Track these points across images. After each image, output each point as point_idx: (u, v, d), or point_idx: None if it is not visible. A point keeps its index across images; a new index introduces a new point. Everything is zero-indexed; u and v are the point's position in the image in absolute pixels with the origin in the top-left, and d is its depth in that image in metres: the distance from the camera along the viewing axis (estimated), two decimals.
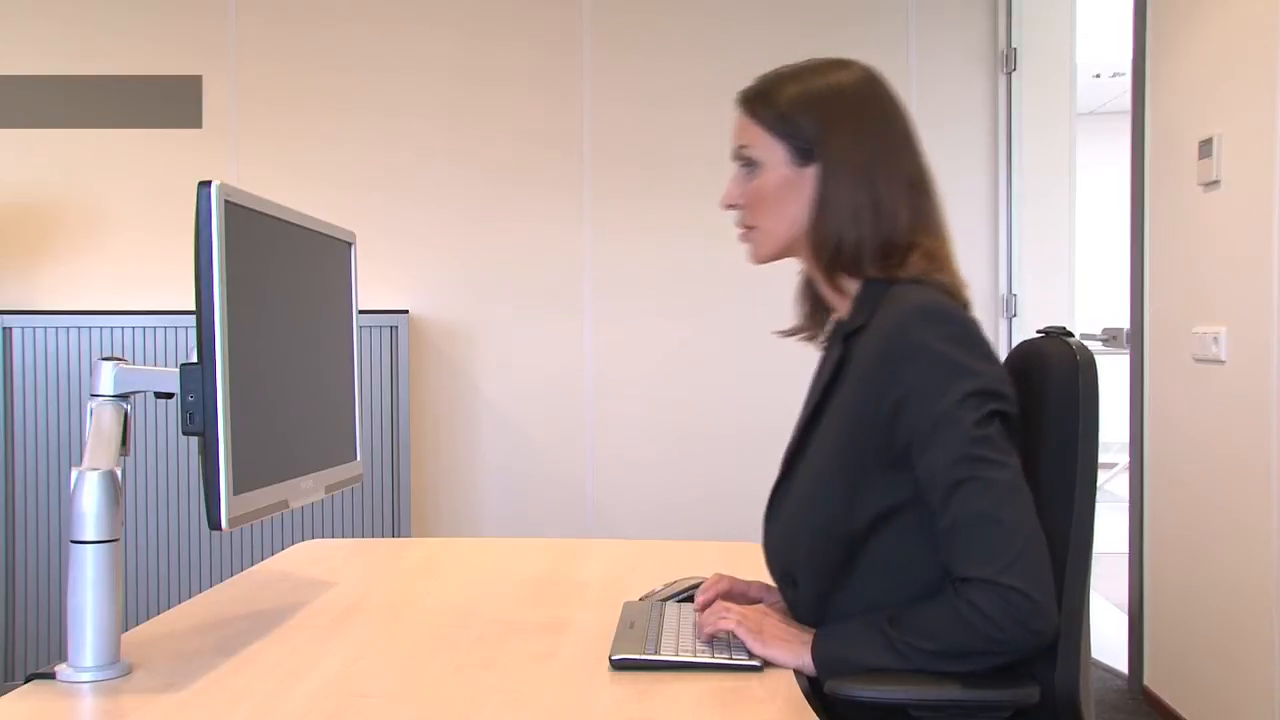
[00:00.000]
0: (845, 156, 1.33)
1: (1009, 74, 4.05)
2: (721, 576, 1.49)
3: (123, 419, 1.32)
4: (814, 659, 1.26)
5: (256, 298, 1.34)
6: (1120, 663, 3.57)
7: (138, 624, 1.48)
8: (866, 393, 1.28)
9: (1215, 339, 2.87)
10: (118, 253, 3.94)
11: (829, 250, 1.34)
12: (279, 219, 1.43)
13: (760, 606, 1.38)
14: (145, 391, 1.33)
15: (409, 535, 3.63)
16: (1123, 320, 3.54)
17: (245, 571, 1.85)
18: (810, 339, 1.48)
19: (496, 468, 4.00)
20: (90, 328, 3.52)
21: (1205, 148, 2.91)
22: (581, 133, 4.03)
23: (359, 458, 1.73)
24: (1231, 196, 2.81)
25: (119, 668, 1.26)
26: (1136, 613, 3.40)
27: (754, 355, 3.93)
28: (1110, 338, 3.76)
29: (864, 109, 1.35)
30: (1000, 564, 1.18)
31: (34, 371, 3.51)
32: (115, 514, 1.25)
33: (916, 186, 1.36)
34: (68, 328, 3.52)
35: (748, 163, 1.38)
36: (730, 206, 1.41)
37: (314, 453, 1.50)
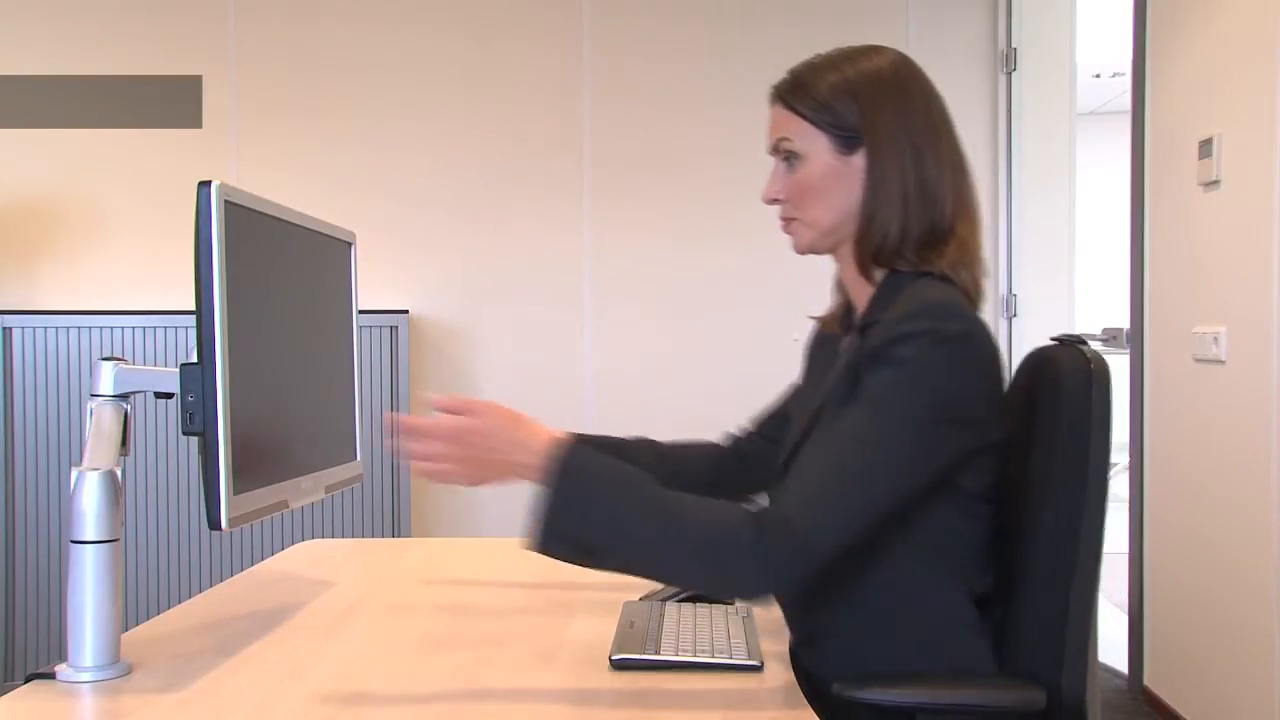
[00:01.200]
0: (890, 141, 1.31)
1: (1009, 74, 4.05)
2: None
3: (123, 419, 1.32)
4: (555, 461, 1.21)
5: (256, 297, 1.34)
6: (1120, 663, 3.57)
7: (138, 624, 1.48)
8: (835, 379, 1.29)
9: (1215, 339, 2.87)
10: (118, 253, 3.94)
11: (877, 238, 1.32)
12: (279, 219, 1.43)
13: (467, 423, 1.26)
14: (145, 391, 1.33)
15: (409, 535, 3.63)
16: (1123, 320, 3.54)
17: (245, 571, 1.85)
18: (836, 327, 1.46)
19: None
20: (90, 328, 3.52)
21: (1205, 148, 2.91)
22: (581, 134, 4.04)
23: (359, 457, 1.73)
24: (1231, 196, 2.81)
25: (119, 668, 1.26)
26: (1136, 612, 3.40)
27: (754, 355, 3.93)
28: (1110, 338, 3.76)
29: (903, 92, 1.33)
30: (815, 508, 1.16)
31: (34, 371, 3.51)
32: (115, 514, 1.25)
33: (959, 170, 1.34)
34: (68, 328, 3.52)
35: (789, 155, 1.36)
36: (773, 201, 1.39)
37: (314, 453, 1.50)
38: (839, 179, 1.33)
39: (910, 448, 1.19)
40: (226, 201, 1.25)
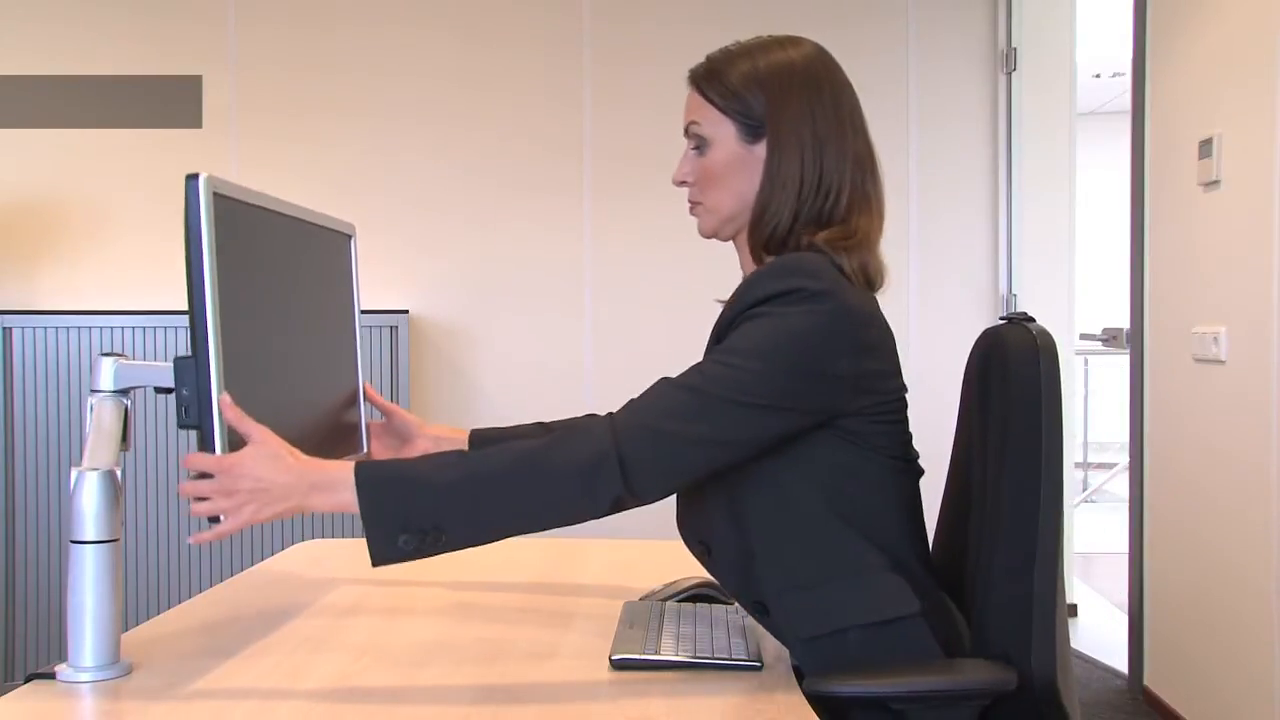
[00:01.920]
0: (793, 133, 1.34)
1: (1009, 74, 4.05)
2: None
3: (123, 415, 1.32)
4: (357, 476, 1.21)
5: (251, 290, 1.33)
6: (1120, 663, 3.57)
7: (138, 624, 1.48)
8: (710, 342, 1.34)
9: (1215, 339, 2.87)
10: (118, 253, 3.94)
11: (769, 226, 1.35)
12: (271, 210, 1.42)
13: (230, 457, 1.22)
14: (145, 387, 1.32)
15: None
16: (1123, 320, 3.54)
17: (245, 571, 1.85)
18: None
19: None
20: (90, 328, 3.52)
21: (1205, 148, 2.91)
22: (581, 135, 4.04)
23: (366, 450, 1.72)
24: (1231, 196, 2.81)
25: (119, 668, 1.26)
26: (1136, 613, 3.40)
27: None
28: (1110, 338, 3.76)
29: (812, 86, 1.36)
30: (626, 429, 1.21)
31: (34, 371, 3.51)
32: (115, 514, 1.25)
33: (861, 165, 1.36)
34: (68, 328, 3.52)
35: (698, 140, 1.40)
36: (680, 184, 1.44)
37: (318, 448, 1.50)
38: (741, 167, 1.37)
39: (762, 394, 1.23)
40: (216, 194, 1.24)
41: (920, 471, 1.37)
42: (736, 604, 1.53)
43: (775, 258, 1.34)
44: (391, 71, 4.00)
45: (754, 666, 1.27)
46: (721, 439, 1.23)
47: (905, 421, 1.34)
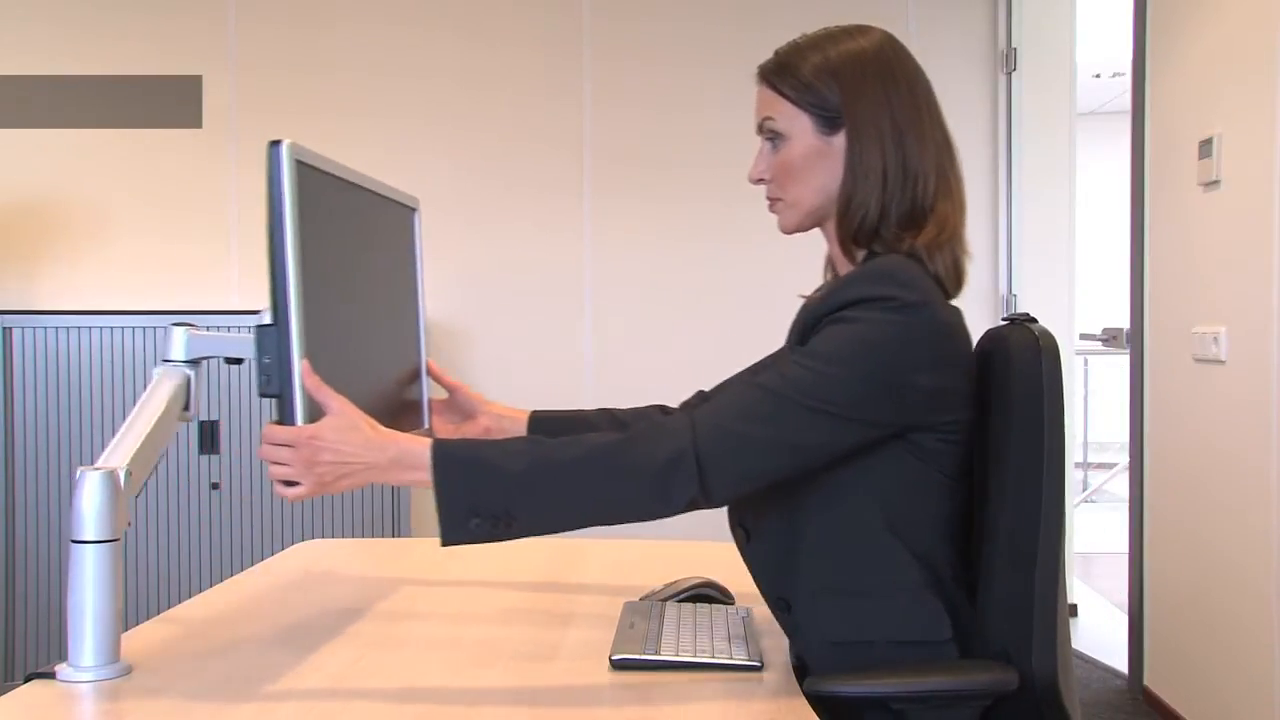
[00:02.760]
0: (871, 121, 1.32)
1: (1009, 74, 4.05)
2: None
3: (186, 385, 1.33)
4: (434, 453, 1.21)
5: (326, 259, 1.30)
6: (1120, 663, 3.57)
7: (138, 624, 1.48)
8: (791, 337, 1.32)
9: (1215, 339, 2.87)
10: (118, 253, 3.94)
11: (856, 218, 1.33)
12: (345, 180, 1.40)
13: (310, 440, 1.23)
14: (216, 357, 1.32)
15: (409, 535, 3.63)
16: (1123, 320, 3.54)
17: (245, 571, 1.85)
18: None
19: None
20: (90, 328, 3.52)
21: (1205, 148, 2.91)
22: (581, 134, 4.04)
23: (426, 425, 1.69)
24: (1231, 196, 2.81)
25: (119, 668, 1.26)
26: (1136, 613, 3.40)
27: (754, 353, 3.92)
28: (1110, 338, 3.76)
29: (886, 73, 1.34)
30: (705, 429, 1.20)
31: (34, 371, 3.50)
32: (115, 514, 1.25)
33: (941, 150, 1.35)
34: (68, 328, 3.52)
35: (773, 135, 1.37)
36: (758, 181, 1.40)
37: (384, 420, 1.49)
38: (821, 159, 1.34)
39: (841, 403, 1.21)
40: (298, 161, 1.22)
41: (969, 492, 1.35)
42: (737, 604, 1.53)
43: (872, 261, 1.31)
44: (391, 71, 4.00)
45: (754, 667, 1.27)
46: (796, 443, 1.21)
47: (969, 444, 1.32)
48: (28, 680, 1.23)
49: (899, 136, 1.32)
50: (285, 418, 1.21)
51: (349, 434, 1.21)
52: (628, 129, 4.01)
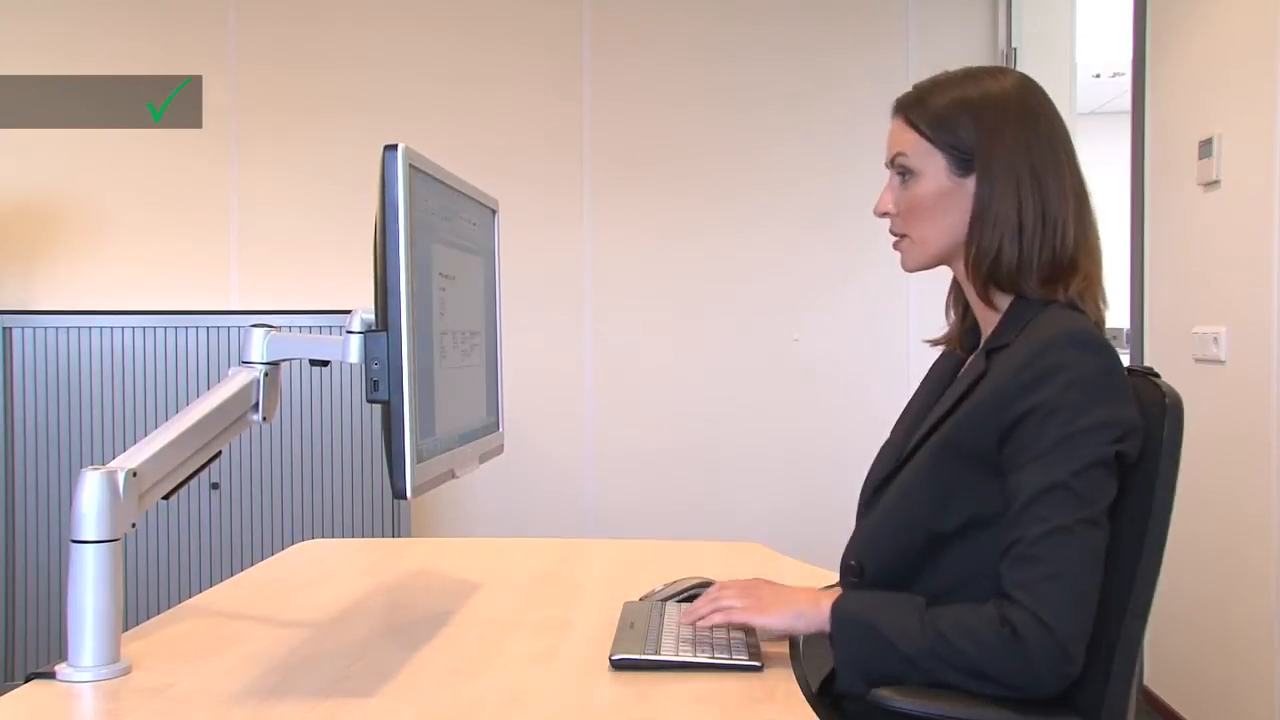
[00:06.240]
0: (1007, 165, 1.29)
1: None
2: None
3: (254, 387, 1.34)
4: (834, 613, 1.23)
5: (428, 263, 1.29)
6: None
7: (138, 624, 1.48)
8: (994, 402, 1.24)
9: (1215, 339, 2.87)
10: (118, 253, 3.94)
11: (987, 263, 1.30)
12: (446, 184, 1.38)
13: (749, 580, 1.38)
14: (300, 359, 1.32)
15: (409, 535, 3.63)
16: (1123, 320, 3.54)
17: (245, 571, 1.85)
18: (956, 348, 1.44)
19: (496, 467, 3.98)
20: (90, 328, 3.52)
21: (1205, 148, 2.91)
22: (581, 132, 4.03)
23: (502, 429, 1.67)
24: (1231, 196, 2.81)
25: (119, 667, 1.26)
26: None
27: (753, 355, 3.92)
28: (1110, 338, 3.76)
29: (1025, 117, 1.32)
30: (1053, 609, 1.16)
31: (34, 371, 3.50)
32: (115, 514, 1.25)
33: (1081, 198, 1.32)
34: (68, 328, 3.51)
35: (904, 171, 1.35)
36: (883, 214, 1.38)
37: (470, 422, 1.47)
38: (951, 200, 1.32)
39: (1105, 492, 1.23)
40: (411, 166, 1.22)
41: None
42: None
43: (1062, 331, 1.25)
44: (391, 70, 4.00)
45: (754, 667, 1.27)
46: (1100, 556, 1.21)
47: None
48: (28, 680, 1.24)
49: (1038, 183, 1.29)
50: (393, 424, 1.20)
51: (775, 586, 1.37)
52: (628, 126, 4.01)
